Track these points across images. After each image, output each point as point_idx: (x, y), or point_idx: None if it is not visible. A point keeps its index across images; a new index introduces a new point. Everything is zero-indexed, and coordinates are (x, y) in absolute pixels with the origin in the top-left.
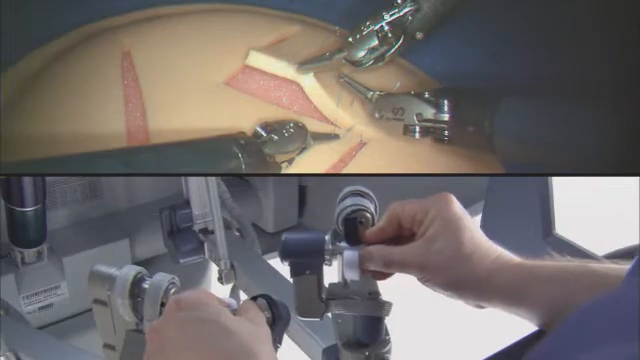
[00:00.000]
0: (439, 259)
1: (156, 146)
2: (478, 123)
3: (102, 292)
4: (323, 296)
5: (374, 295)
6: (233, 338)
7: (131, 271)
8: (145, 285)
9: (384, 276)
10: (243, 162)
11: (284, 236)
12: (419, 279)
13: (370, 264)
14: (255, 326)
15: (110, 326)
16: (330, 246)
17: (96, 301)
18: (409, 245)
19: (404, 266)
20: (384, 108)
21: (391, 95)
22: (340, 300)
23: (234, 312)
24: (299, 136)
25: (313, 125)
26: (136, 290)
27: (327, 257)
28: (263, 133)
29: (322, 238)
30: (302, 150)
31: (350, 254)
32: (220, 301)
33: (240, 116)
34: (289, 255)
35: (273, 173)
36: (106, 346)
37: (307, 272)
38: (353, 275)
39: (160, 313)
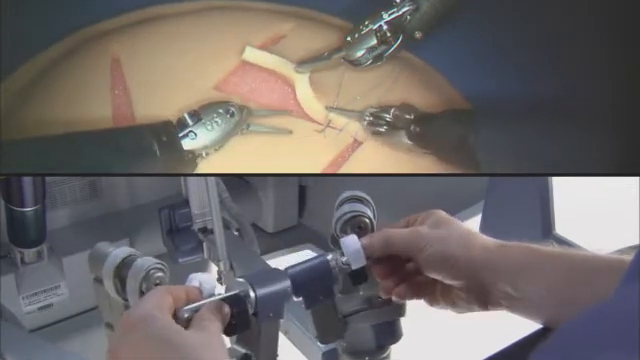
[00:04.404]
0: (439, 237)
1: (68, 142)
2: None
3: (99, 270)
4: (340, 316)
5: (387, 300)
6: (180, 352)
7: (121, 253)
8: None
9: (404, 295)
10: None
11: (288, 273)
12: (419, 261)
13: (372, 248)
14: (206, 335)
15: (107, 304)
16: (335, 263)
17: (95, 279)
18: (409, 228)
19: (405, 245)
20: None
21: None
22: (357, 315)
23: (190, 318)
24: (232, 122)
25: (302, 127)
26: (123, 271)
27: (335, 276)
28: (190, 121)
29: (326, 260)
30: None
31: (350, 241)
32: (177, 299)
33: None
34: (301, 289)
35: (271, 173)
36: (107, 325)
37: (321, 298)
38: (359, 261)
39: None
